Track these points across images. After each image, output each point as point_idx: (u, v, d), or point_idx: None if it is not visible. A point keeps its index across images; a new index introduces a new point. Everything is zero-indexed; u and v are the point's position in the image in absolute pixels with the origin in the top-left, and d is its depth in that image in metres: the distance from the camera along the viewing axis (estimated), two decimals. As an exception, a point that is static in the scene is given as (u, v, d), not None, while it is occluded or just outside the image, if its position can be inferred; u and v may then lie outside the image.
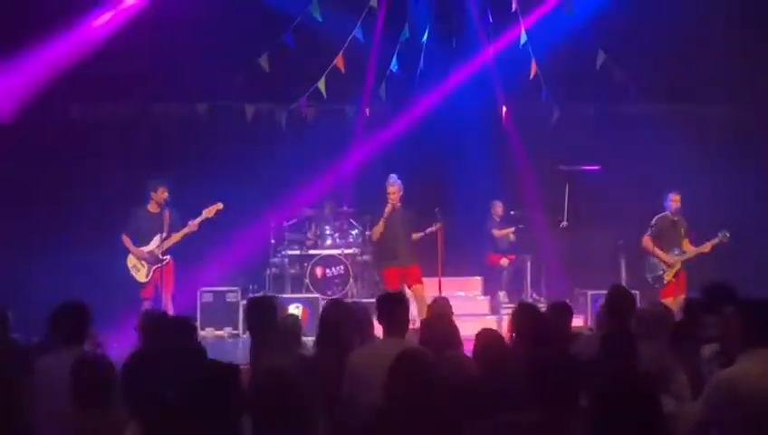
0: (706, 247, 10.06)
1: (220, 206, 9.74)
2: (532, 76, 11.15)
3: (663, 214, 10.23)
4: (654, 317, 5.14)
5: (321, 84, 10.92)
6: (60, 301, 5.19)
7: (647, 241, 10.16)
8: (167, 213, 9.46)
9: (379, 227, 9.82)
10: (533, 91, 11.37)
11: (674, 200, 10.12)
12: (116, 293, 9.36)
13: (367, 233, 11.14)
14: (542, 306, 8.15)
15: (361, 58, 11.15)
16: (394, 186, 9.76)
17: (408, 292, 9.28)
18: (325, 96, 10.99)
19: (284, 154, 11.50)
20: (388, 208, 9.74)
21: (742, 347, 3.97)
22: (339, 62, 10.85)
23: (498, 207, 11.91)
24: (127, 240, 9.58)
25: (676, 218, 10.17)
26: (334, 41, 10.89)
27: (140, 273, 9.57)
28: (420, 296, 9.52)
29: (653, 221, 10.24)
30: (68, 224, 10.51)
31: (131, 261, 9.58)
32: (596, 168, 11.41)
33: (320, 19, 10.53)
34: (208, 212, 9.67)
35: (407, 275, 9.75)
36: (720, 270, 8.70)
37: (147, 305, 9.32)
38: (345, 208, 11.73)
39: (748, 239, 10.63)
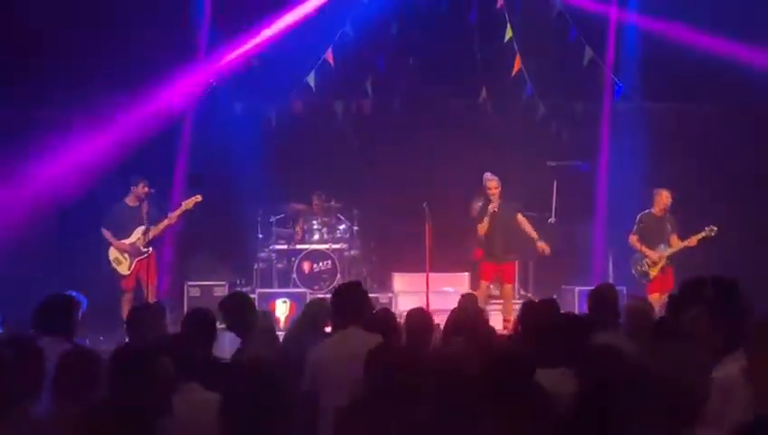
0: (692, 241, 9.87)
1: (199, 198, 9.76)
2: (515, 72, 11.16)
3: (647, 211, 10.12)
4: (636, 313, 5.20)
5: (311, 79, 10.92)
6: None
7: (632, 239, 10.10)
8: (144, 205, 9.56)
9: (484, 225, 9.61)
10: (518, 87, 11.37)
11: (659, 196, 10.00)
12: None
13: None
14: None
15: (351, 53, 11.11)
16: (493, 181, 9.66)
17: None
18: (314, 90, 10.99)
19: (275, 148, 11.51)
20: (491, 206, 9.60)
21: None
22: (328, 56, 10.85)
23: None
24: (107, 233, 9.60)
25: (660, 215, 10.03)
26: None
27: (123, 265, 9.58)
28: (507, 296, 9.51)
29: (638, 218, 10.15)
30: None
31: (113, 254, 9.59)
32: (584, 164, 11.43)
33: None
34: (187, 204, 9.72)
35: (501, 272, 9.67)
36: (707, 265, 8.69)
37: (128, 297, 9.37)
38: (333, 203, 11.72)
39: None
